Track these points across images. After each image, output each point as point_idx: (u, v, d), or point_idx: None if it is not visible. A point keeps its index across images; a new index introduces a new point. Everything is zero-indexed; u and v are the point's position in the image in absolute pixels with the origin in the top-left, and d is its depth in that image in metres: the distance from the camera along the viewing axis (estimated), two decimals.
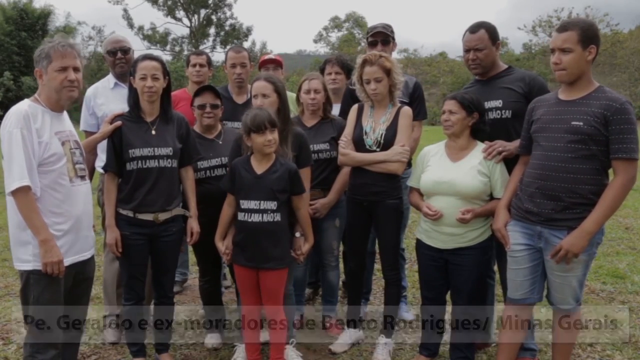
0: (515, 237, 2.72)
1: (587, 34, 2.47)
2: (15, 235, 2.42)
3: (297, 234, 2.99)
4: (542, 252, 2.64)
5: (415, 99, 3.63)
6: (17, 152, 2.28)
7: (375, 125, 3.16)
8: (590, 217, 2.46)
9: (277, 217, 2.83)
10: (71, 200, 2.45)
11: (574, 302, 2.66)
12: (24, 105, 2.40)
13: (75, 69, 2.47)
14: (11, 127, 2.31)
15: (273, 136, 2.78)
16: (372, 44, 3.69)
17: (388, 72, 3.07)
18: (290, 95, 3.62)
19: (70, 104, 2.56)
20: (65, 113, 2.61)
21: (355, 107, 3.30)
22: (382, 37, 3.67)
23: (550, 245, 2.58)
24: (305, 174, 3.03)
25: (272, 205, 2.82)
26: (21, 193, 2.29)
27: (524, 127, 2.79)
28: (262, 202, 2.81)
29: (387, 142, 3.10)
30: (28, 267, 2.38)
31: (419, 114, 3.64)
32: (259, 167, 2.86)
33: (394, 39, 3.75)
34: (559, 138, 2.53)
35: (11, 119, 2.33)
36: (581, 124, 2.46)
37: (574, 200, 2.50)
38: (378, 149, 3.12)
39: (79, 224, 2.50)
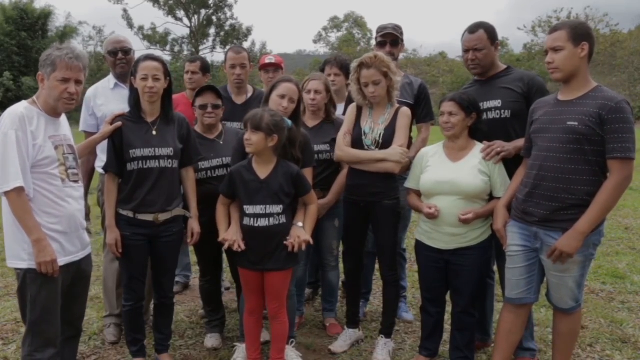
0: (512, 238, 2.74)
1: (577, 31, 2.48)
2: (10, 234, 2.43)
3: (300, 224, 2.93)
4: (539, 252, 2.65)
5: (421, 101, 3.62)
6: (12, 154, 2.29)
7: (374, 126, 3.16)
8: (584, 217, 2.45)
9: (283, 219, 2.84)
10: (64, 201, 2.46)
11: (573, 303, 2.66)
12: (20, 108, 2.41)
13: (78, 82, 2.48)
14: (6, 128, 2.32)
15: (252, 137, 2.76)
16: (380, 44, 3.69)
17: (385, 73, 3.07)
18: None
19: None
20: (63, 117, 2.61)
21: (353, 105, 3.29)
22: (392, 38, 3.67)
23: (546, 245, 2.58)
24: (308, 174, 3.03)
25: (278, 209, 2.82)
26: (14, 194, 2.30)
27: (527, 129, 2.78)
28: (268, 206, 2.81)
29: (386, 142, 3.10)
30: (23, 265, 2.39)
31: (426, 116, 3.64)
32: (262, 171, 2.86)
33: (402, 40, 3.75)
34: (555, 138, 2.53)
35: (6, 121, 2.35)
36: (576, 124, 2.46)
37: (570, 201, 2.50)
38: (377, 149, 3.12)
39: (72, 224, 2.51)
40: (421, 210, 2.99)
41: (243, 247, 2.82)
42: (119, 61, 3.54)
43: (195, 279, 4.57)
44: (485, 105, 3.03)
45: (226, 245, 2.88)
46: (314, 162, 3.15)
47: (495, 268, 3.31)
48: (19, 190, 2.30)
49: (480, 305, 3.21)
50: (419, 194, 3.10)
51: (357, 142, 3.18)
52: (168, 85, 2.98)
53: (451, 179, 2.89)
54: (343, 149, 3.19)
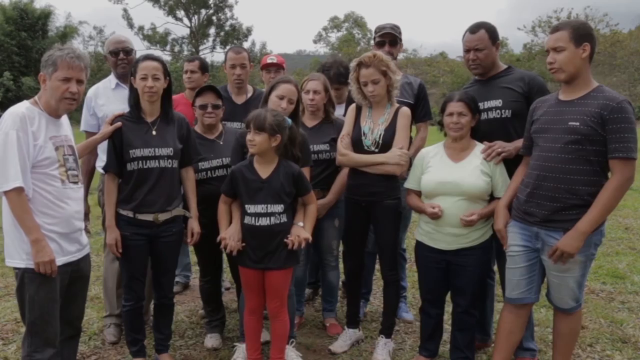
0: (513, 238, 2.73)
1: (579, 31, 2.48)
2: (9, 234, 2.43)
3: (300, 224, 2.93)
4: (540, 252, 2.65)
5: (421, 100, 3.63)
6: (12, 153, 2.30)
7: (373, 126, 3.16)
8: (585, 217, 2.45)
9: (284, 219, 2.85)
10: (63, 202, 2.46)
11: (573, 303, 2.66)
12: (21, 108, 2.42)
13: (79, 82, 2.48)
14: (7, 128, 2.33)
15: (256, 137, 2.77)
16: (379, 44, 3.70)
17: (384, 72, 3.07)
18: None
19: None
20: (64, 117, 2.61)
21: (353, 106, 3.29)
22: (390, 37, 3.68)
23: (547, 245, 2.58)
24: (306, 173, 3.03)
25: (279, 208, 2.82)
26: (14, 194, 2.31)
27: (526, 127, 2.78)
28: (269, 205, 2.82)
29: (386, 143, 3.10)
30: (21, 264, 2.39)
31: (425, 115, 3.65)
32: (263, 170, 2.86)
33: (401, 40, 3.76)
34: (557, 139, 2.53)
35: (7, 121, 2.35)
36: (578, 124, 2.46)
37: (571, 201, 2.50)
38: (377, 150, 3.12)
39: (70, 225, 2.51)
40: (423, 210, 2.98)
41: (236, 251, 2.83)
42: (120, 61, 3.53)
43: (195, 279, 4.57)
44: (486, 104, 3.03)
45: (222, 245, 2.89)
46: (311, 162, 3.15)
47: (495, 268, 3.31)
48: (19, 190, 2.31)
49: (480, 305, 3.20)
50: (419, 194, 3.09)
51: (357, 142, 3.18)
52: (168, 85, 2.98)
53: (453, 179, 2.89)
54: (344, 153, 3.19)
